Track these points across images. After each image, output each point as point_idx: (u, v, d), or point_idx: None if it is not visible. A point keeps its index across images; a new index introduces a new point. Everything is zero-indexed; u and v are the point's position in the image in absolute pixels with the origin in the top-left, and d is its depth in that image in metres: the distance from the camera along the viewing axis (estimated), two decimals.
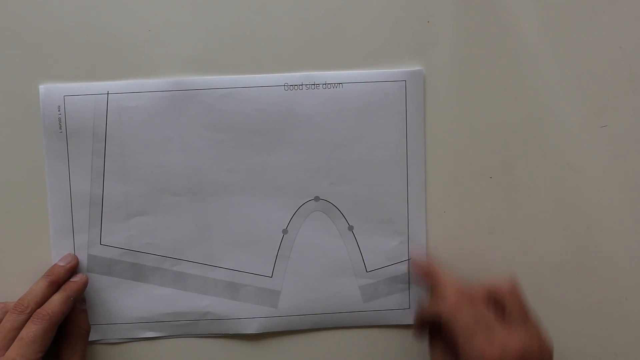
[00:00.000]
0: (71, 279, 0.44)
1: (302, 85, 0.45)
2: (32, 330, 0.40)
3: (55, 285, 0.43)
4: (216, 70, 0.45)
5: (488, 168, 0.46)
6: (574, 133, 0.46)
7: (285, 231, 0.45)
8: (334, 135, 0.45)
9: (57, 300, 0.42)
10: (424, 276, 0.44)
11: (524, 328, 0.39)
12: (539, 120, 0.46)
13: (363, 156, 0.45)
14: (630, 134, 0.46)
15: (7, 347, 0.39)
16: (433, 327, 0.43)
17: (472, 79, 0.46)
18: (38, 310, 0.41)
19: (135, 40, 0.45)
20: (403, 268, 0.46)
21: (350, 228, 0.46)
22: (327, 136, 0.45)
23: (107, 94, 0.44)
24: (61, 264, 0.44)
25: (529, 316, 0.40)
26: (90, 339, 0.45)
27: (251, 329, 0.46)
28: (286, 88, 0.45)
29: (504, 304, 0.40)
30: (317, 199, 0.45)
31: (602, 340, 0.47)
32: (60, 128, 0.44)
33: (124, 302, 0.45)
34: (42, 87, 0.44)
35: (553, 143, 0.46)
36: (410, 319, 0.46)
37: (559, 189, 0.46)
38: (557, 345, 0.47)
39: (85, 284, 0.44)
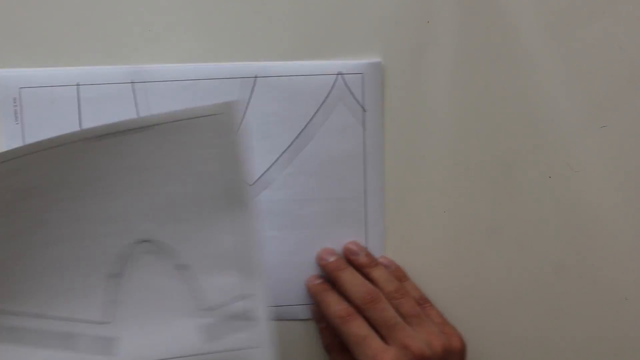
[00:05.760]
0: None
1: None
2: None
3: None
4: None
5: (488, 168, 0.46)
6: (574, 133, 0.46)
7: (116, 275, 0.41)
8: None
9: None
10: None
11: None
12: (538, 120, 0.46)
13: None
14: (630, 134, 0.46)
15: None
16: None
17: (472, 78, 0.46)
18: None
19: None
20: (245, 305, 0.42)
21: (185, 267, 0.41)
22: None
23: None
24: None
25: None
26: None
27: None
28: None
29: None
30: (148, 239, 0.41)
31: (602, 340, 0.47)
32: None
33: None
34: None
35: (553, 143, 0.46)
36: (259, 358, 0.42)
37: (559, 189, 0.46)
38: (556, 345, 0.47)
39: None
